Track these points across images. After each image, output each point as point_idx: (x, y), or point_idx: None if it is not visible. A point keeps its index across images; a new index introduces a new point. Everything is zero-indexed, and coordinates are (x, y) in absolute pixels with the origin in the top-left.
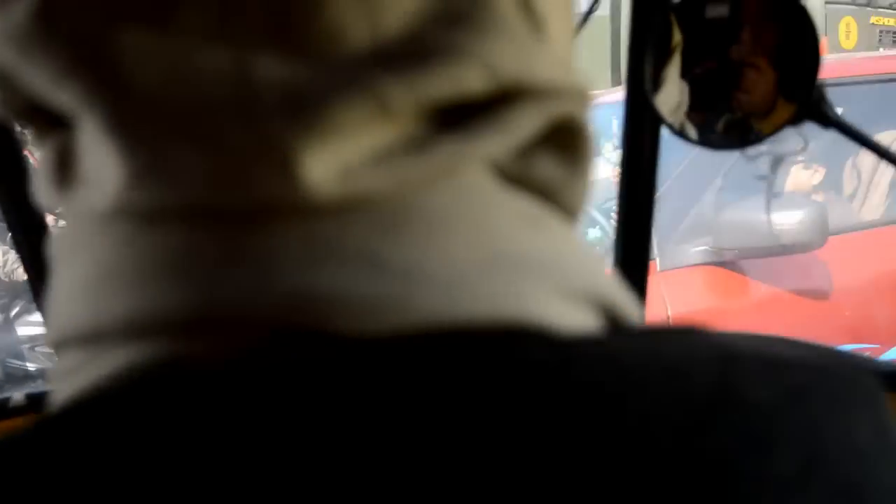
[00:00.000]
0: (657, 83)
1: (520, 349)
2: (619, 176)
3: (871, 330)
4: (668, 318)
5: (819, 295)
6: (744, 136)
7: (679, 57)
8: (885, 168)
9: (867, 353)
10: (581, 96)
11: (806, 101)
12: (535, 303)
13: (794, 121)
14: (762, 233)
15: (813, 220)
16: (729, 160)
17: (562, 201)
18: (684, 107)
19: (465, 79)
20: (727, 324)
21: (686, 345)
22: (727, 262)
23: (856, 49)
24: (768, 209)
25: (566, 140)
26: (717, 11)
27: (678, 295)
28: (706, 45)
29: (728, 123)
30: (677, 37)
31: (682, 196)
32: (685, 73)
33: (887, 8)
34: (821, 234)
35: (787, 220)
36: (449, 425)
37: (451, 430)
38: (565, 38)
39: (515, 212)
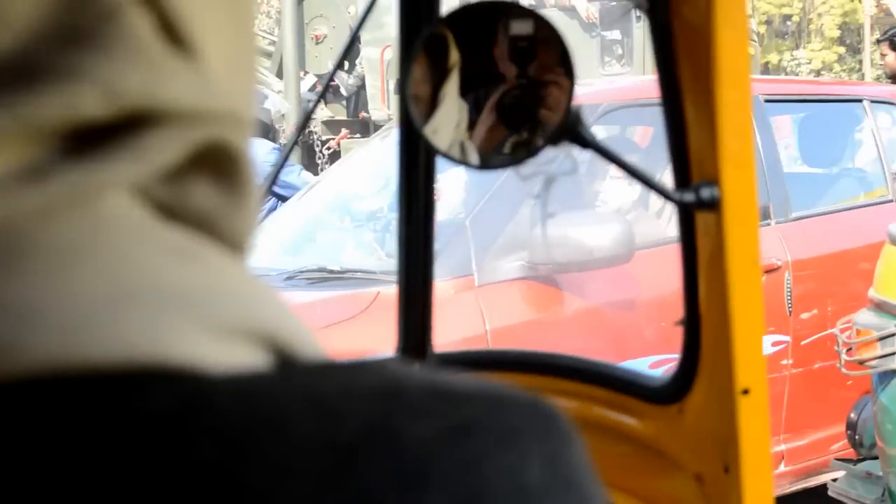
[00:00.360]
0: (432, 105)
1: (139, 396)
2: (399, 200)
3: (677, 341)
4: (487, 332)
5: (629, 307)
6: (520, 155)
7: (457, 76)
8: None
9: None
10: (238, 122)
11: (563, 123)
12: (178, 341)
13: (552, 141)
14: (574, 248)
15: (621, 236)
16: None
17: (222, 232)
18: (466, 129)
19: (81, 102)
20: (544, 336)
21: (349, 381)
22: (543, 277)
23: None
24: (543, 226)
25: (223, 167)
26: (521, 28)
27: (496, 309)
28: (488, 64)
29: (515, 143)
30: (454, 55)
31: (498, 211)
32: (467, 94)
33: None
34: (628, 248)
35: (598, 235)
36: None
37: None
38: (228, 61)
39: (163, 244)
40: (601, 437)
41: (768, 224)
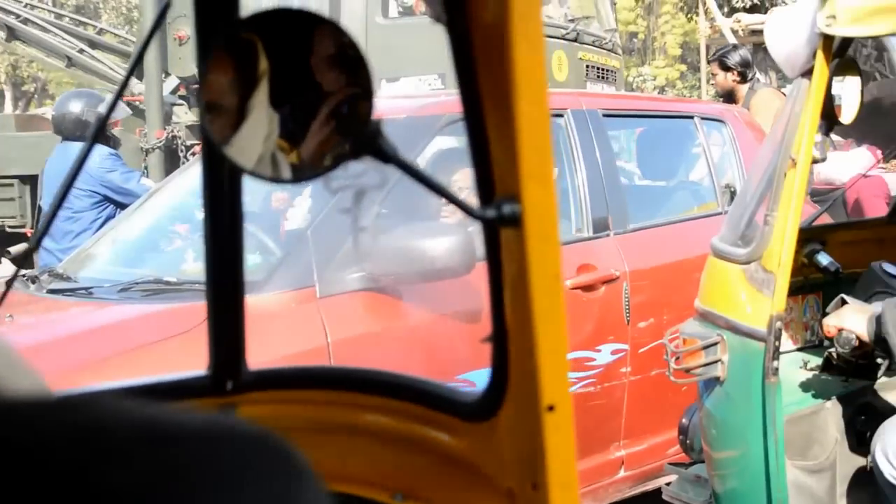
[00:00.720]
0: (235, 116)
1: None
2: (204, 209)
3: None
4: (328, 344)
5: (472, 318)
6: (310, 170)
7: (266, 86)
8: None
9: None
10: None
11: (361, 136)
12: None
13: (352, 155)
14: (415, 259)
15: (461, 247)
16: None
17: None
18: (274, 141)
19: None
20: (387, 348)
21: (49, 423)
22: (385, 288)
23: (567, 82)
24: (356, 241)
25: None
26: (317, 38)
27: (338, 321)
28: (285, 73)
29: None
30: (263, 63)
31: (341, 222)
32: (279, 104)
33: (590, 45)
34: (469, 259)
35: (438, 246)
36: None
37: None
38: None
39: None
40: (415, 454)
41: (607, 235)
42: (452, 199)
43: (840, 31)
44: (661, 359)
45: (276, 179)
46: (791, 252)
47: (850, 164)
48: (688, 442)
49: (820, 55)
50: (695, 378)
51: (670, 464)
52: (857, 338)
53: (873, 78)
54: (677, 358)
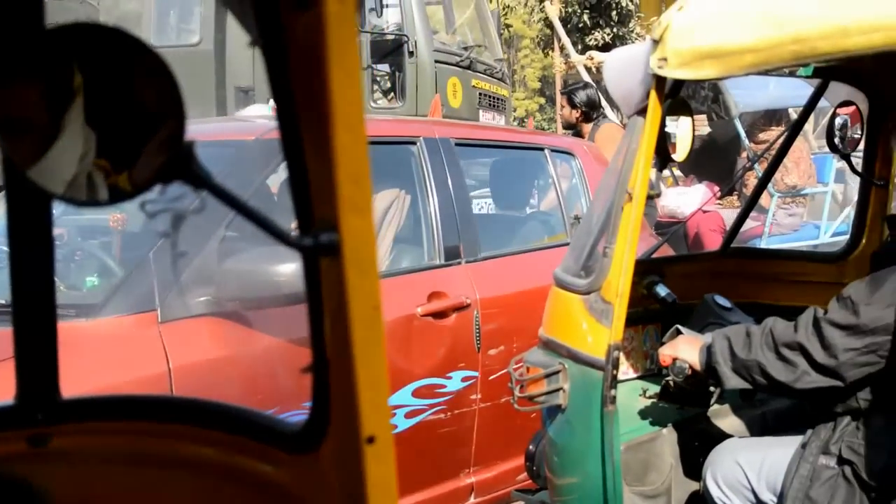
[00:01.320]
0: (46, 138)
1: None
2: (7, 229)
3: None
4: (170, 370)
5: None
6: (123, 193)
7: (80, 103)
8: (391, 221)
9: None
10: None
11: (172, 158)
12: None
13: (161, 178)
14: (261, 284)
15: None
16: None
17: None
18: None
19: None
20: (230, 374)
21: None
22: (231, 313)
23: (460, 109)
24: (186, 266)
25: None
26: (127, 57)
27: (180, 347)
28: (93, 91)
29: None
30: (75, 79)
31: (184, 245)
32: (94, 123)
33: (482, 73)
34: None
35: (285, 271)
36: None
37: None
38: None
39: None
40: (237, 486)
41: (459, 263)
42: (269, 228)
43: (671, 73)
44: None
45: (90, 203)
46: (628, 283)
47: (691, 199)
48: (534, 469)
49: (653, 95)
50: (538, 406)
51: (517, 490)
52: (690, 367)
53: (710, 119)
54: (521, 386)
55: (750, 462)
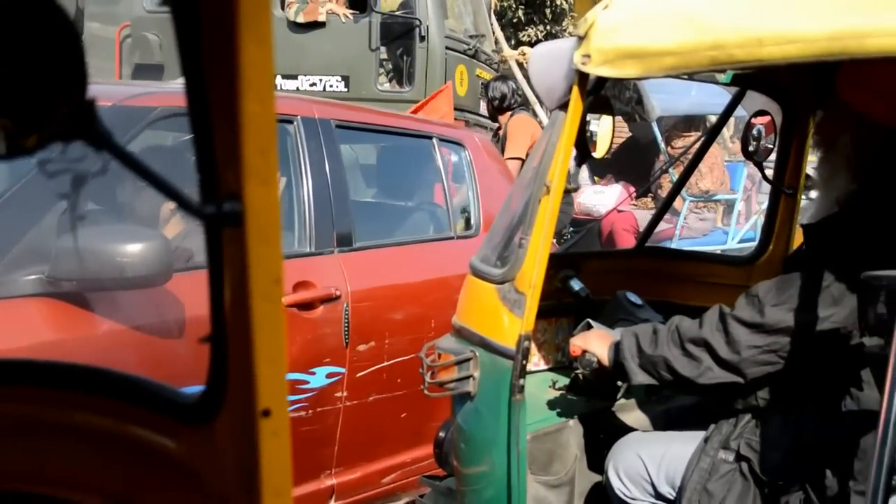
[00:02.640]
0: None
1: None
2: None
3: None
4: None
5: (167, 332)
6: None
7: None
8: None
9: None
10: None
11: (70, 116)
12: None
13: (59, 136)
14: (103, 264)
15: (157, 255)
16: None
17: None
18: None
19: None
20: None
21: None
22: (68, 294)
23: (466, 97)
24: (72, 236)
25: None
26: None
27: (6, 329)
28: None
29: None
30: None
31: (14, 218)
32: None
33: (484, 63)
34: (165, 270)
35: (130, 252)
36: None
37: None
38: None
39: None
40: (129, 456)
41: (331, 252)
42: (171, 194)
43: (593, 70)
44: (380, 383)
45: None
46: (541, 275)
47: (608, 198)
48: (443, 455)
49: (575, 90)
50: (448, 393)
51: (425, 476)
52: (598, 360)
53: (633, 120)
54: (433, 372)
55: (651, 455)
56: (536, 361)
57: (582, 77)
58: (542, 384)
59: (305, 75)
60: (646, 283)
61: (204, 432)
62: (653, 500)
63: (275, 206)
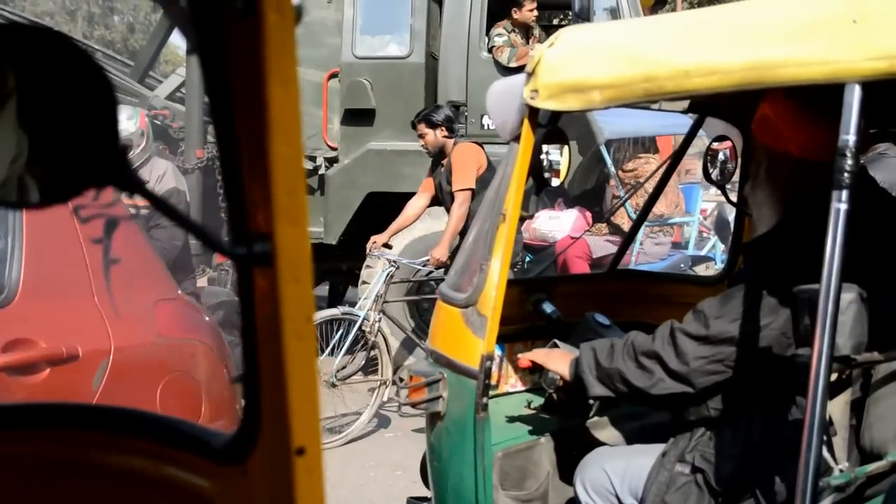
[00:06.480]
0: None
1: None
2: None
3: None
4: None
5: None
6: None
7: (12, 105)
8: None
9: None
10: None
11: (104, 162)
12: None
13: (93, 182)
14: None
15: None
16: None
17: None
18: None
19: None
20: None
21: None
22: None
23: None
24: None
25: None
26: (53, 56)
27: None
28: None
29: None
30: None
31: None
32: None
33: None
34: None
35: None
36: None
37: None
38: None
39: None
40: (164, 497)
41: None
42: (203, 236)
43: (541, 104)
44: None
45: (21, 204)
46: (500, 297)
47: (563, 223)
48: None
49: (526, 124)
50: (420, 413)
51: (411, 498)
52: (561, 377)
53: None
54: (406, 394)
55: (615, 469)
56: (514, 383)
57: (532, 111)
58: (518, 404)
59: None
60: (618, 306)
61: (238, 471)
62: None
63: (305, 245)
